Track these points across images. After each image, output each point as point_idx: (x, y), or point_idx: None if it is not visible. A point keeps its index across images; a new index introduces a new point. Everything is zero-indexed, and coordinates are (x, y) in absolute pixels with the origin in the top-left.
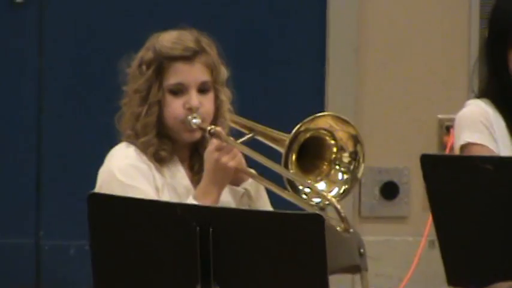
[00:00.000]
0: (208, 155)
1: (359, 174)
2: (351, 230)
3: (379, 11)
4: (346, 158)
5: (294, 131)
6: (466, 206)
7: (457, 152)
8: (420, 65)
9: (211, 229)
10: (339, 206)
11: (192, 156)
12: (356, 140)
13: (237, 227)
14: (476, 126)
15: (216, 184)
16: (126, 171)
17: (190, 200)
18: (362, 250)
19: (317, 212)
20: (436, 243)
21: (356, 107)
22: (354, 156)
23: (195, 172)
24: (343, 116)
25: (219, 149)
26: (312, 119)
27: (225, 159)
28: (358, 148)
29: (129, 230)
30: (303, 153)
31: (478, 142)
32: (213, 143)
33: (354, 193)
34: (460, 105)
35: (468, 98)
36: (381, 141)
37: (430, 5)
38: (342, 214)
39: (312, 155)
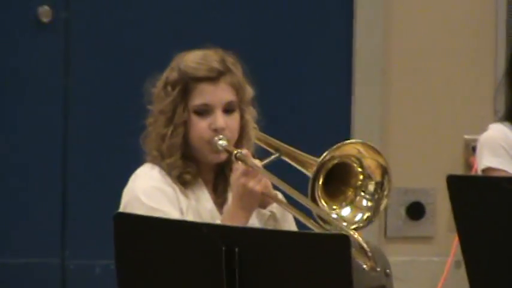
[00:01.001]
0: (235, 180)
1: (382, 207)
2: (378, 269)
3: (405, 32)
4: (372, 186)
5: (321, 158)
6: (492, 226)
7: None
8: (446, 85)
9: (237, 249)
10: (365, 245)
11: (217, 177)
12: (384, 171)
13: (263, 247)
14: (497, 151)
15: (244, 209)
16: (150, 194)
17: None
18: (388, 271)
19: (343, 232)
20: (462, 264)
21: (382, 127)
22: (380, 186)
23: (219, 194)
24: (373, 145)
25: (245, 174)
26: (340, 146)
27: (251, 184)
28: (386, 180)
29: (154, 250)
30: (329, 178)
31: (498, 167)
32: (239, 168)
33: (380, 214)
34: (486, 126)
35: (494, 120)
36: (407, 162)
37: (456, 25)
38: (369, 253)
39: (338, 180)
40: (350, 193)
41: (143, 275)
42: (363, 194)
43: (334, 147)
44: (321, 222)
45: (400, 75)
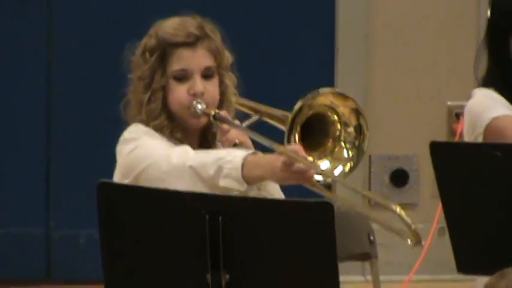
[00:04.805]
0: (285, 172)
1: (365, 147)
2: (423, 243)
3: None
4: (351, 133)
5: (295, 108)
6: (476, 192)
7: (480, 137)
8: (429, 53)
9: (220, 217)
10: (409, 220)
11: (201, 144)
12: (357, 112)
13: (246, 215)
14: (495, 103)
15: (269, 173)
16: (133, 131)
17: (239, 156)
18: (372, 237)
19: (327, 199)
20: (446, 230)
21: (365, 95)
22: (359, 129)
23: None
24: (341, 91)
25: (295, 169)
26: (313, 97)
27: (298, 181)
28: (361, 120)
29: (137, 218)
30: (307, 131)
31: (505, 113)
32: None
33: (363, 180)
34: (469, 93)
35: (476, 85)
36: (391, 129)
37: None
38: (413, 227)
39: (316, 132)
40: (329, 144)
41: (127, 244)
42: (343, 144)
43: (308, 96)
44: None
45: (383, 43)
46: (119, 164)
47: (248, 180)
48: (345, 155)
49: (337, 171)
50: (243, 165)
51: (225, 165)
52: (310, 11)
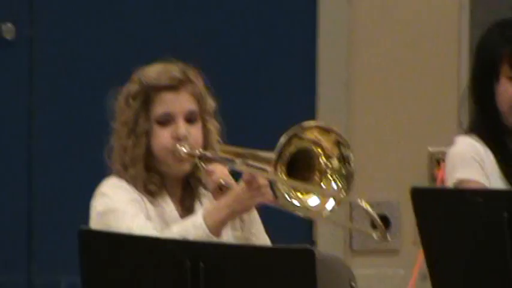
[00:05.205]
0: (240, 193)
1: (352, 168)
2: (389, 239)
3: (369, 46)
4: (335, 164)
5: (278, 144)
6: (457, 238)
7: None
8: (410, 98)
9: (201, 264)
10: (375, 214)
11: (184, 191)
12: (339, 143)
13: (227, 261)
14: (468, 163)
15: (231, 214)
16: (110, 186)
17: (199, 214)
18: (353, 284)
19: (308, 246)
20: (428, 277)
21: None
22: (342, 158)
23: (186, 209)
24: (324, 125)
25: (250, 186)
26: (296, 133)
27: (257, 199)
28: (343, 149)
29: (119, 265)
30: (293, 169)
31: (471, 178)
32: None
33: (345, 226)
34: (450, 138)
35: (458, 132)
36: (372, 175)
37: (420, 37)
38: (378, 221)
39: (302, 168)
40: (316, 178)
41: None
42: (330, 177)
43: (291, 132)
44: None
45: (364, 88)
46: (91, 221)
47: (216, 230)
48: (334, 186)
49: (329, 206)
50: (205, 218)
51: (189, 232)
52: (291, 56)
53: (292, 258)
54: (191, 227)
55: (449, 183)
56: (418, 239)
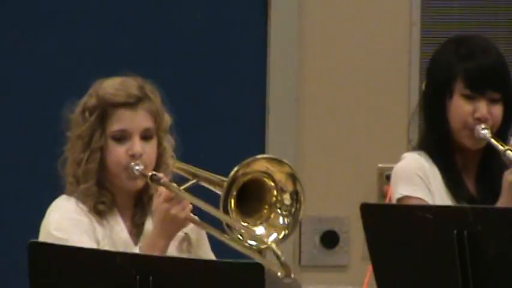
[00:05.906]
0: (157, 205)
1: (300, 216)
2: (292, 276)
3: (319, 62)
4: (287, 199)
5: (230, 174)
6: (406, 254)
7: None
8: (360, 115)
9: (151, 278)
10: (279, 252)
11: (136, 206)
12: (294, 178)
13: (177, 275)
14: (412, 180)
15: (165, 236)
16: (62, 226)
17: (136, 251)
18: None
19: (257, 261)
20: None
21: (296, 156)
22: (295, 196)
23: (135, 224)
24: (276, 157)
25: (168, 200)
26: (248, 163)
27: (174, 210)
28: (298, 187)
29: (69, 278)
30: (244, 197)
31: (414, 195)
32: (161, 193)
33: (294, 242)
34: (400, 155)
35: (407, 149)
36: (322, 190)
37: (370, 54)
38: (282, 259)
39: (253, 198)
40: (265, 211)
41: None
42: (279, 211)
43: (244, 162)
44: (236, 236)
45: (313, 104)
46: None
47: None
48: (281, 222)
49: (272, 238)
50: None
51: None
52: (242, 74)
53: (242, 273)
54: None
55: (394, 198)
56: (367, 255)
